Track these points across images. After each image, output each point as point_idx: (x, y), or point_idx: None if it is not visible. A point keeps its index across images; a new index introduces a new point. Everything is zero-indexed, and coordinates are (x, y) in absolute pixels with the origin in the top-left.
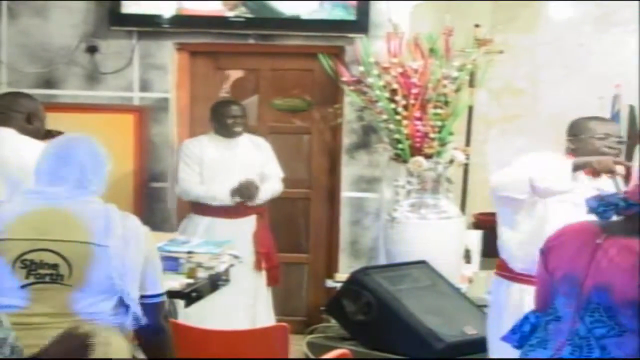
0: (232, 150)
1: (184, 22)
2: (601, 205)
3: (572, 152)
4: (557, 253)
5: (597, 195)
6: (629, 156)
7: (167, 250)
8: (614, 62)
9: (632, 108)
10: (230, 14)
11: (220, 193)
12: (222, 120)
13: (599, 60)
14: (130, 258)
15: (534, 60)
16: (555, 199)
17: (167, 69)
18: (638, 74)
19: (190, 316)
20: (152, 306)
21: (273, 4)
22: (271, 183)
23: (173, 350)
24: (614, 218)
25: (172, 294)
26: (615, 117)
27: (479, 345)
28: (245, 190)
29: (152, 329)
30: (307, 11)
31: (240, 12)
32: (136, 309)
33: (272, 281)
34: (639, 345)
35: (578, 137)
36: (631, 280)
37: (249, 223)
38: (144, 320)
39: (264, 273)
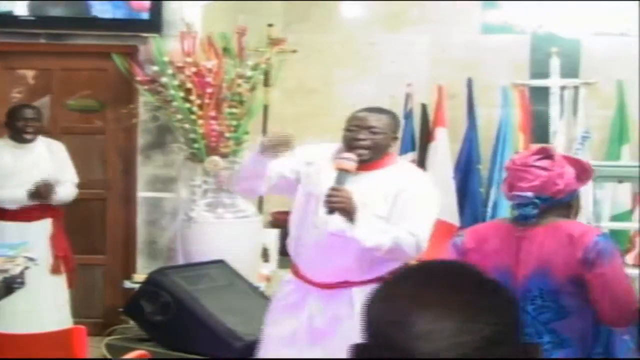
0: (26, 156)
1: None
2: (525, 207)
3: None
4: (477, 253)
5: (517, 203)
6: (423, 152)
7: None
8: (404, 61)
9: (424, 106)
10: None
11: (13, 195)
12: (14, 124)
13: (390, 60)
14: None
15: (327, 60)
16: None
17: None
18: (428, 73)
19: None
20: None
21: None
22: (66, 187)
23: None
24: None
25: None
26: (408, 116)
27: None
28: (43, 189)
29: None
30: (97, 10)
31: None
32: None
33: (72, 284)
34: (585, 324)
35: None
36: (565, 257)
37: (44, 226)
38: None
39: (63, 276)
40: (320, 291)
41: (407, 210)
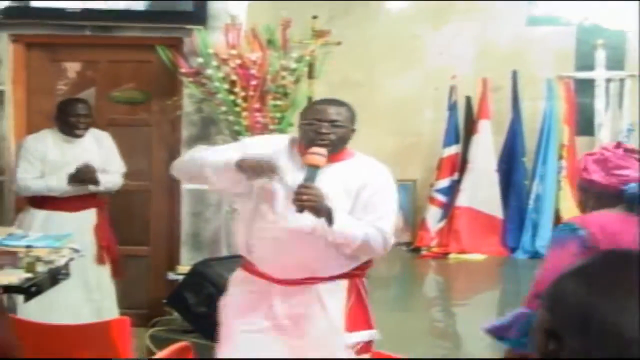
0: (74, 149)
1: (19, 13)
2: None
3: (301, 139)
4: (612, 243)
5: None
6: (467, 145)
7: (5, 245)
8: (449, 54)
9: (468, 99)
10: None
11: (61, 183)
12: (66, 119)
13: (435, 52)
14: None
15: (371, 53)
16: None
17: (2, 61)
18: (473, 65)
19: (33, 311)
20: None
21: None
22: (112, 176)
23: (15, 349)
24: None
25: (11, 289)
26: (452, 108)
27: None
28: (85, 171)
29: None
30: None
31: None
32: None
33: (116, 274)
34: None
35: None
36: None
37: (89, 216)
38: None
39: (107, 266)
40: (284, 288)
41: (372, 205)
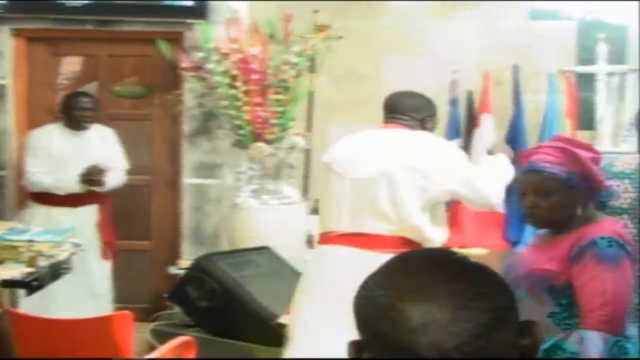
0: (79, 143)
1: (20, 8)
2: None
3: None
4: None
5: None
6: (468, 139)
7: (7, 239)
8: (453, 47)
9: (470, 93)
10: None
11: (70, 181)
12: (71, 112)
13: (439, 45)
14: None
15: (375, 46)
16: None
17: (3, 55)
18: (477, 59)
19: (36, 306)
20: None
21: None
22: (116, 174)
23: (8, 343)
24: None
25: (13, 283)
26: (453, 102)
27: None
28: (94, 173)
29: None
30: None
31: None
32: None
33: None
34: None
35: (433, 117)
36: None
37: (91, 212)
38: None
39: (109, 262)
40: None
41: None
